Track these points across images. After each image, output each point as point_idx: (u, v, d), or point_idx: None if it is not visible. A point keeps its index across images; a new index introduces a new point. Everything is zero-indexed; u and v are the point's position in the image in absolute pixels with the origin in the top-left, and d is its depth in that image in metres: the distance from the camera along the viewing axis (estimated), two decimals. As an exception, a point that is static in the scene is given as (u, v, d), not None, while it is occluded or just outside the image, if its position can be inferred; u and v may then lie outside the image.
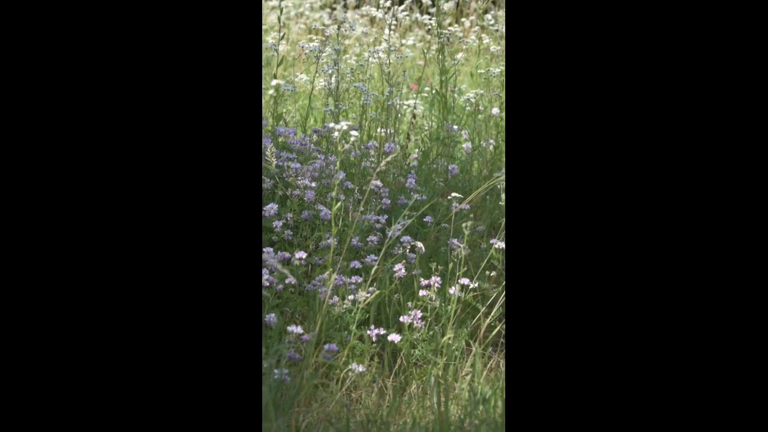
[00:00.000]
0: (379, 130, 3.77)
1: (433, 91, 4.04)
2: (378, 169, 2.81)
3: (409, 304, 2.79)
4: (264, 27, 6.22)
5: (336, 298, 2.70)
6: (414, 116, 4.11)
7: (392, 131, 3.77)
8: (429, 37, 5.63)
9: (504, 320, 2.96)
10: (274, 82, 3.59)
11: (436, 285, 2.80)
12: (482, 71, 4.20)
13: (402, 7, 6.02)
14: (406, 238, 2.96)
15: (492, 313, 2.84)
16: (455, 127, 3.80)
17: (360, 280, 2.79)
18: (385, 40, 4.06)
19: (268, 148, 3.00)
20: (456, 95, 4.11)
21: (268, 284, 2.62)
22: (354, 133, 2.67)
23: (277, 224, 2.95)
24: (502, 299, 2.87)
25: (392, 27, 4.22)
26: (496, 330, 2.85)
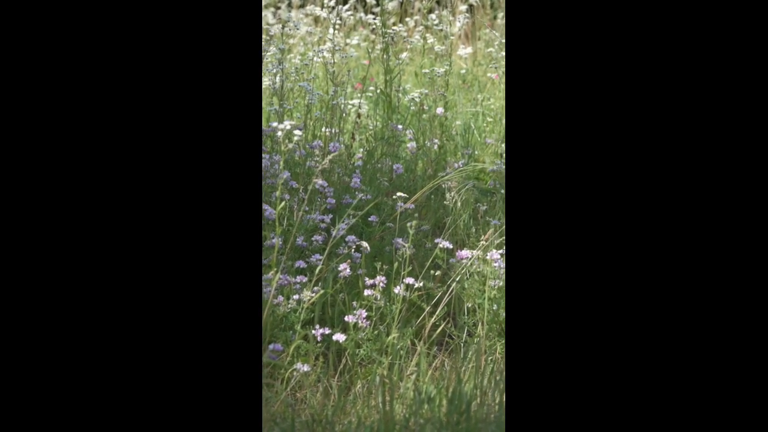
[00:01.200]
0: (323, 129, 3.76)
1: (378, 91, 4.04)
2: (320, 168, 2.81)
3: (354, 303, 2.79)
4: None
5: (281, 298, 2.69)
6: (359, 116, 4.11)
7: (337, 131, 3.76)
8: (373, 36, 5.64)
9: (447, 319, 2.97)
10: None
11: (381, 284, 2.80)
12: (427, 71, 4.21)
13: (346, 6, 6.01)
14: (350, 238, 2.96)
15: (437, 312, 2.84)
16: (400, 126, 3.81)
17: (305, 279, 2.79)
18: (330, 39, 4.05)
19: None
20: (400, 95, 4.11)
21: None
22: (298, 132, 2.67)
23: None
24: (446, 298, 2.87)
25: (337, 26, 4.22)
26: (440, 329, 2.86)
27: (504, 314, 2.87)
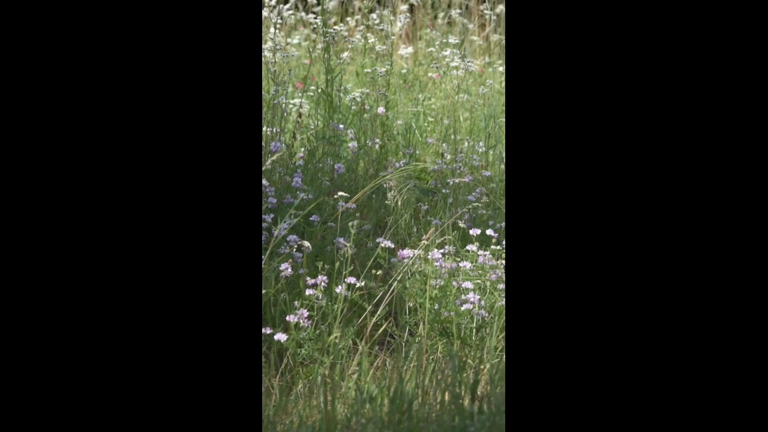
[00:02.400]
0: (264, 129, 3.75)
1: (319, 90, 4.04)
2: (263, 168, 2.80)
3: (296, 303, 2.79)
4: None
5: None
6: (300, 115, 4.10)
7: (278, 130, 3.75)
8: (314, 36, 5.63)
9: (388, 318, 2.97)
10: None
11: (323, 284, 2.80)
12: (368, 70, 4.21)
13: (287, 6, 6.00)
14: (292, 237, 2.95)
15: (378, 312, 2.85)
16: (341, 126, 3.81)
17: (246, 279, 2.78)
18: (271, 38, 4.04)
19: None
20: (342, 94, 4.11)
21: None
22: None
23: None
24: (388, 298, 2.88)
25: (277, 26, 4.21)
26: (382, 328, 2.87)
27: (445, 314, 2.88)
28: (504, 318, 2.85)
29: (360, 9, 6.08)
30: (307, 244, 2.88)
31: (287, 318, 2.72)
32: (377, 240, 3.02)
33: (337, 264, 2.86)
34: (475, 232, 3.12)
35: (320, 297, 2.78)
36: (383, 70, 4.17)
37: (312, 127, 4.10)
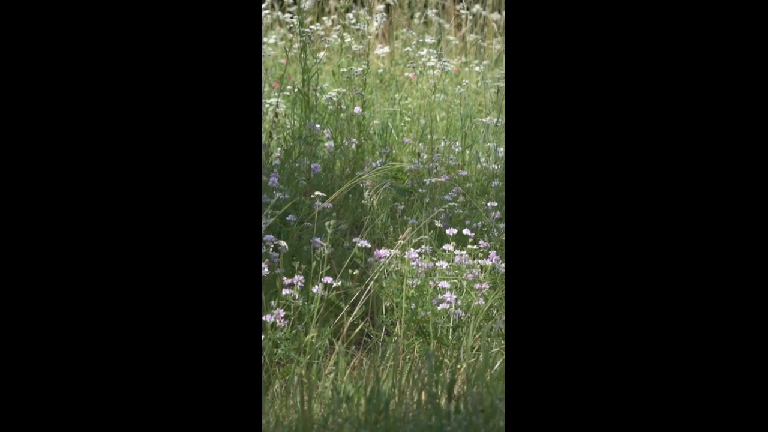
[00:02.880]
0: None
1: (296, 90, 4.03)
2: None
3: (272, 302, 2.78)
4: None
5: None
6: (276, 115, 4.09)
7: (254, 130, 3.74)
8: (291, 35, 5.62)
9: (365, 318, 2.97)
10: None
11: (299, 284, 2.79)
12: (344, 70, 4.21)
13: (263, 5, 5.99)
14: (269, 237, 2.95)
15: (354, 312, 2.85)
16: (317, 125, 3.80)
17: (222, 279, 2.77)
18: (247, 37, 4.03)
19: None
20: (318, 94, 4.11)
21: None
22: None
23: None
24: (364, 297, 2.88)
25: (254, 25, 4.19)
26: (359, 328, 2.87)
27: (422, 313, 2.88)
28: (480, 318, 2.85)
29: (336, 8, 6.07)
30: (283, 243, 2.88)
31: (264, 318, 2.72)
32: (354, 240, 3.02)
33: (314, 264, 2.85)
34: (451, 231, 3.13)
35: (297, 297, 2.78)
36: (360, 69, 4.17)
37: (288, 126, 4.10)
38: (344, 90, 4.13)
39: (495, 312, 2.93)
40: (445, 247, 3.07)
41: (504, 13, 6.02)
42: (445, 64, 4.63)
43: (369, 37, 4.94)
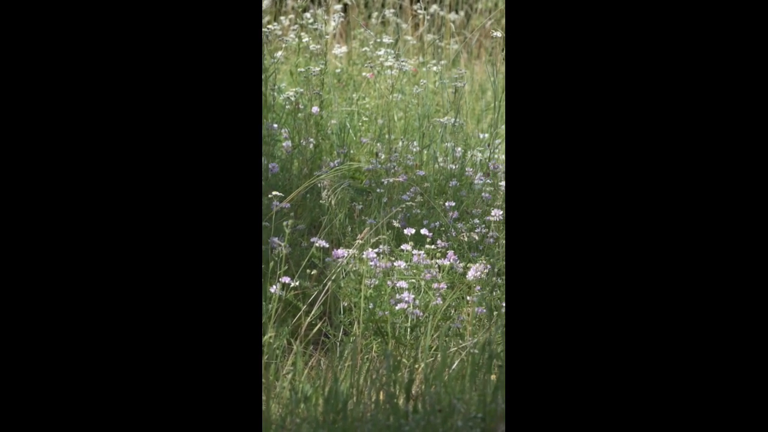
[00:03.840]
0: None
1: (253, 89, 4.01)
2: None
3: (230, 303, 2.77)
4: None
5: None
6: (233, 114, 4.08)
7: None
8: (248, 34, 5.60)
9: (323, 318, 2.97)
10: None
11: (257, 284, 2.79)
12: (302, 69, 4.20)
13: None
14: (226, 237, 2.94)
15: (312, 312, 2.84)
16: (275, 125, 3.79)
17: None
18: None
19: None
20: (275, 93, 4.09)
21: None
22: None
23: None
24: (322, 297, 2.87)
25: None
26: (316, 328, 2.86)
27: (380, 313, 2.88)
28: (438, 317, 2.86)
29: (293, 8, 6.07)
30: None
31: (221, 318, 2.71)
32: (312, 239, 3.01)
33: (272, 263, 2.85)
34: (409, 231, 3.13)
35: (254, 297, 2.77)
36: (317, 69, 4.17)
37: (246, 126, 4.08)
38: (302, 90, 4.12)
39: (453, 312, 2.93)
40: (403, 246, 3.07)
41: (461, 13, 6.03)
42: (403, 64, 4.63)
43: (326, 36, 4.93)
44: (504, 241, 3.22)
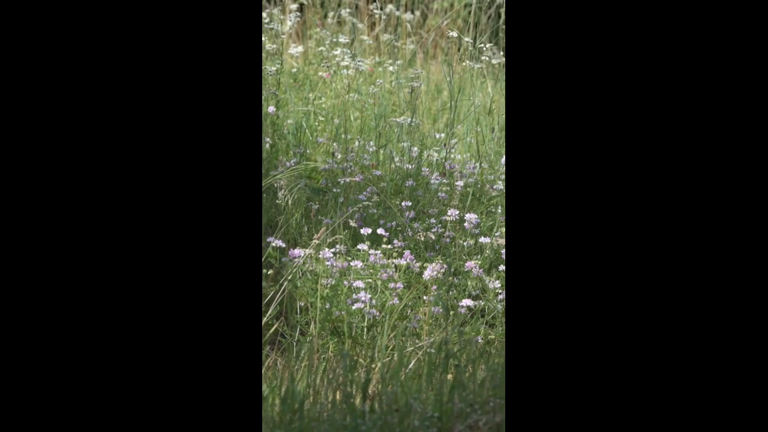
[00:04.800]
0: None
1: (209, 89, 4.00)
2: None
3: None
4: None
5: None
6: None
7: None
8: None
9: (279, 318, 2.97)
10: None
11: (213, 284, 2.78)
12: (258, 69, 4.19)
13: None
14: (182, 237, 2.93)
15: (269, 312, 2.84)
16: (231, 125, 3.78)
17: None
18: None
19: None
20: (232, 93, 4.08)
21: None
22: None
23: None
24: (279, 297, 2.87)
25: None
26: (273, 328, 2.86)
27: (336, 313, 2.88)
28: (395, 317, 2.86)
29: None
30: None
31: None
32: (268, 239, 3.01)
33: (228, 264, 2.84)
34: (366, 231, 3.13)
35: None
36: (273, 69, 4.16)
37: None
38: (258, 89, 4.11)
39: (409, 311, 2.94)
40: (359, 246, 3.08)
41: (417, 13, 6.04)
42: (359, 63, 4.63)
43: (282, 36, 4.93)
44: (460, 241, 3.23)
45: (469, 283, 3.06)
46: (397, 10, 5.88)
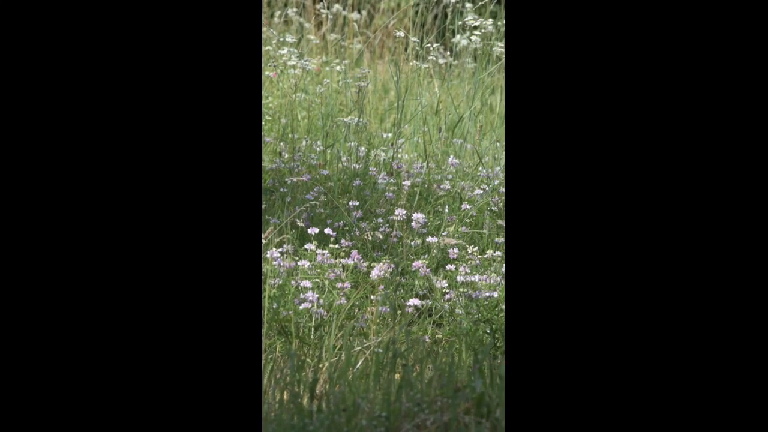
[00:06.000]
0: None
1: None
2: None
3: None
4: None
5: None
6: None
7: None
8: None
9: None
10: None
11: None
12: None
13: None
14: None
15: (216, 312, 2.82)
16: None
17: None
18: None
19: None
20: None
21: None
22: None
23: None
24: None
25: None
26: (220, 328, 2.84)
27: (283, 313, 2.88)
28: (342, 317, 2.86)
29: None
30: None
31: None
32: (215, 239, 2.99)
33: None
34: (313, 230, 3.13)
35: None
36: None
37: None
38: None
39: (357, 311, 2.94)
40: (306, 246, 3.07)
41: (364, 13, 6.04)
42: (306, 63, 4.63)
43: (229, 35, 4.90)
44: (407, 240, 3.23)
45: (416, 282, 3.06)
46: (344, 9, 5.88)
